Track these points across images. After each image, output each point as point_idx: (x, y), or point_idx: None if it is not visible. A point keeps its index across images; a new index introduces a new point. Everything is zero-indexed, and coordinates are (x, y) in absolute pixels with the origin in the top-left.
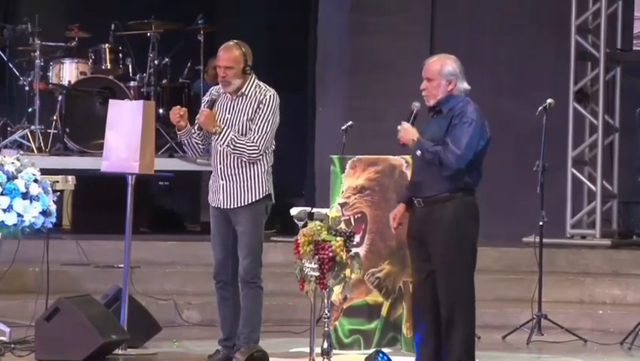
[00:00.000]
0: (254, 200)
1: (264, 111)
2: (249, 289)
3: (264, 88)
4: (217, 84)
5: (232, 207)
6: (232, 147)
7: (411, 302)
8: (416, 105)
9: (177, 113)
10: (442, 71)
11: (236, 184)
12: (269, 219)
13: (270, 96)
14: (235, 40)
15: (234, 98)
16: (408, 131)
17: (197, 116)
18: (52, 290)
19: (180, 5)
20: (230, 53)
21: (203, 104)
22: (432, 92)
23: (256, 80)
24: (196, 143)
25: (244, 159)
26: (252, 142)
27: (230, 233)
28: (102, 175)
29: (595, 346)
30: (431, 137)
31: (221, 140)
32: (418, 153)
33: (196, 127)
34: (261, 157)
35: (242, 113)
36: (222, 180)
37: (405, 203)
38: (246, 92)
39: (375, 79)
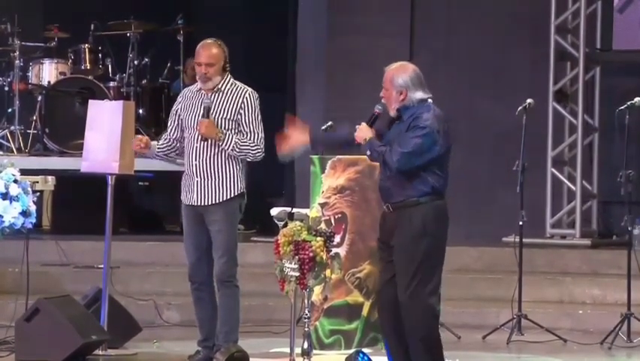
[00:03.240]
0: (228, 197)
1: (252, 111)
2: (226, 289)
3: (240, 87)
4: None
5: (206, 204)
6: (237, 150)
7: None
8: (378, 108)
9: (138, 145)
10: (393, 82)
11: (212, 181)
12: (249, 219)
13: (250, 94)
14: (212, 38)
15: (210, 95)
16: (362, 131)
17: (171, 113)
18: (32, 291)
19: (159, 5)
20: (211, 50)
21: (179, 107)
22: (387, 99)
23: (231, 78)
24: (164, 155)
25: (248, 159)
26: (255, 144)
27: (203, 233)
28: (82, 175)
29: (575, 346)
30: (389, 142)
31: (225, 145)
32: (368, 153)
33: (160, 142)
34: (263, 154)
35: (218, 110)
36: (197, 177)
37: None
38: (223, 89)
39: (355, 79)
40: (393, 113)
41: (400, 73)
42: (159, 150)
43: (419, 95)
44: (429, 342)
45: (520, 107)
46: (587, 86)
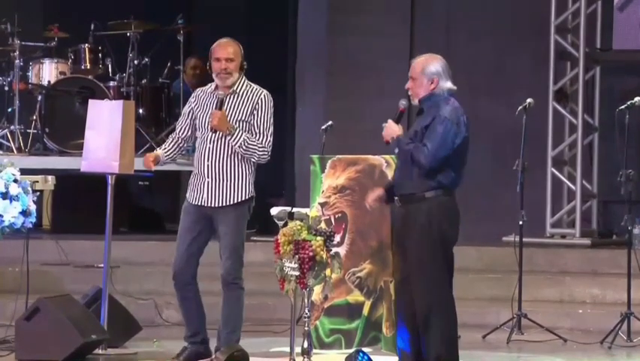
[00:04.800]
0: (240, 200)
1: (265, 113)
2: (231, 290)
3: (256, 88)
4: (196, 84)
5: (217, 205)
6: (244, 148)
7: (391, 302)
8: (403, 103)
9: (150, 163)
10: (425, 70)
11: (223, 183)
12: (249, 218)
13: (265, 96)
14: (227, 37)
15: (225, 96)
16: (390, 129)
17: (184, 112)
18: (32, 290)
19: (159, 5)
20: (230, 47)
21: (191, 106)
22: (415, 90)
23: (246, 80)
24: (172, 160)
25: (253, 160)
26: (263, 145)
27: (203, 234)
28: (82, 175)
29: (575, 345)
30: (413, 135)
31: (234, 141)
32: (396, 150)
33: (167, 146)
34: (269, 158)
35: (234, 111)
36: (208, 177)
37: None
38: (238, 90)
39: (355, 79)
40: (416, 102)
41: (431, 61)
42: (167, 156)
43: (449, 84)
44: (450, 339)
45: (520, 107)
46: (587, 85)
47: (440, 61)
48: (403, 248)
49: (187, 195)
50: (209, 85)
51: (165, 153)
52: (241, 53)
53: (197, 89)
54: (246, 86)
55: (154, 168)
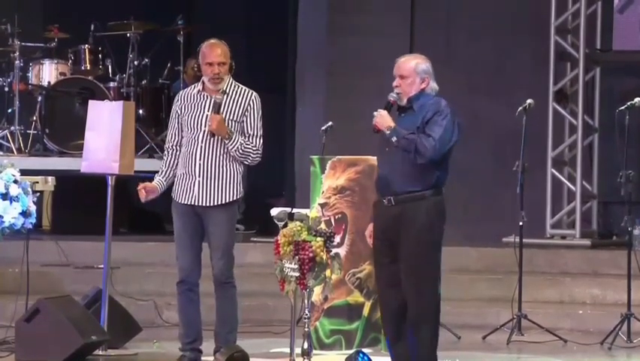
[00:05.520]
0: (232, 199)
1: (255, 115)
2: (225, 290)
3: (245, 89)
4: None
5: (209, 204)
6: (240, 151)
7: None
8: (393, 96)
9: (143, 194)
10: (417, 68)
11: (215, 182)
12: (249, 219)
13: (256, 97)
14: (215, 39)
15: (221, 99)
16: (384, 118)
17: (172, 118)
18: (32, 291)
19: (159, 6)
20: (221, 49)
21: (176, 109)
22: (405, 89)
23: (233, 80)
24: (174, 176)
25: (246, 162)
26: (257, 147)
27: (198, 233)
28: (82, 176)
29: (575, 346)
30: (415, 130)
31: (231, 145)
32: (394, 139)
33: (165, 164)
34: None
35: (227, 112)
36: (200, 177)
37: None
38: (227, 91)
39: (355, 79)
40: (405, 101)
41: (422, 61)
42: (166, 179)
43: (435, 85)
44: (436, 338)
45: (520, 108)
46: (587, 86)
47: (428, 61)
48: (395, 250)
49: (173, 194)
50: (192, 86)
51: (164, 177)
52: (230, 55)
53: (181, 91)
54: (235, 86)
55: (146, 199)
